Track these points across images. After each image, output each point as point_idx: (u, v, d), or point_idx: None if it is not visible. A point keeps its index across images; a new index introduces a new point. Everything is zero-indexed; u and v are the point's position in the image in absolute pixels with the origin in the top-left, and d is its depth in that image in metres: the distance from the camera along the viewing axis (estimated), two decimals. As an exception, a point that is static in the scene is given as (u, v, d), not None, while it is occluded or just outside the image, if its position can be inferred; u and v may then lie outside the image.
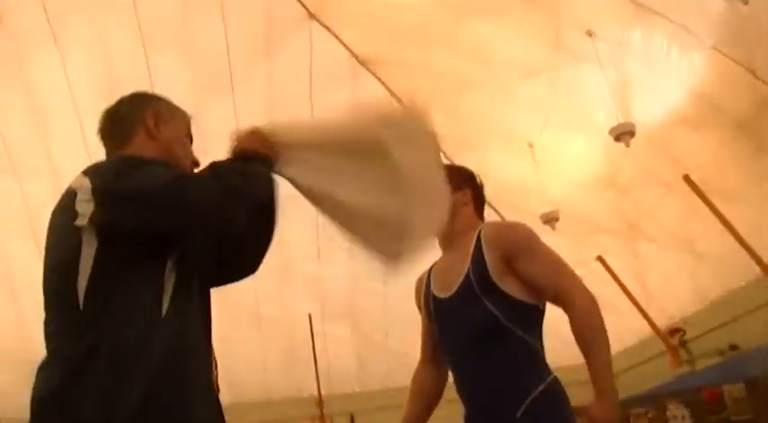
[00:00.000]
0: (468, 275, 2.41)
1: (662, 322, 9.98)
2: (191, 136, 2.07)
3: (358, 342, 11.23)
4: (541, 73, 8.64)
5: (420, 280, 2.76)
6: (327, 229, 9.85)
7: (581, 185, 9.74)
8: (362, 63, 9.50)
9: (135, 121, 1.87)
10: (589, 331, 2.30)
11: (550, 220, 9.31)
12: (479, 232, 2.53)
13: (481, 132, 9.67)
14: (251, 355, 10.81)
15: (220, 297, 8.72)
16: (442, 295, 2.50)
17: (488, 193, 10.74)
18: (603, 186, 9.55)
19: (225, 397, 8.52)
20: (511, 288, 2.38)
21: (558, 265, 2.43)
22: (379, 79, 9.64)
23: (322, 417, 11.01)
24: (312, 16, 9.03)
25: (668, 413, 9.25)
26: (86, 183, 1.56)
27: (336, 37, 9.24)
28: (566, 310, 2.38)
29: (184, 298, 1.63)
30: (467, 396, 2.42)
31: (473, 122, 9.57)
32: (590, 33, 7.77)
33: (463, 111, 9.50)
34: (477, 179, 2.85)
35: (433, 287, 2.55)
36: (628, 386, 10.89)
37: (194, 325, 1.68)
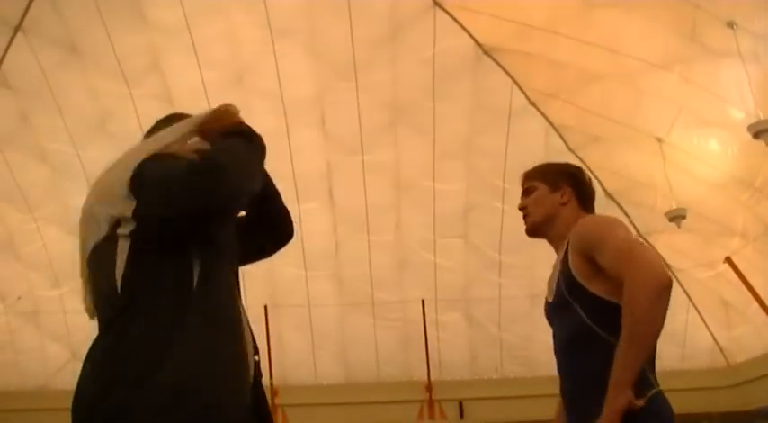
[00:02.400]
0: (558, 279, 2.34)
1: (796, 333, 9.38)
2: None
3: (470, 331, 11.22)
4: (674, 65, 8.27)
5: None
6: (445, 218, 9.88)
7: (713, 184, 9.27)
8: (487, 52, 9.42)
9: None
10: (628, 313, 2.01)
11: (676, 217, 8.94)
12: None
13: (607, 125, 9.38)
14: (365, 338, 11.03)
15: (336, 279, 8.95)
16: (548, 298, 2.45)
17: (612, 187, 10.41)
18: (738, 186, 9.05)
19: (338, 376, 8.86)
20: (599, 288, 2.20)
21: (623, 250, 2.11)
22: (503, 68, 9.53)
23: (431, 401, 11.12)
24: (437, 4, 9.03)
25: (796, 431, 8.71)
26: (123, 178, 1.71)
27: (461, 25, 9.20)
28: None
29: (212, 283, 1.73)
30: (564, 402, 2.35)
31: (599, 114, 9.30)
32: (731, 25, 7.35)
33: (589, 102, 9.24)
34: (582, 175, 2.61)
35: (547, 289, 2.50)
36: (752, 398, 10.33)
37: (227, 312, 1.76)
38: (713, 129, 8.81)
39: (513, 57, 9.34)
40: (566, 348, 2.33)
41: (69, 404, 1.61)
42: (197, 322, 1.64)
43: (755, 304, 9.55)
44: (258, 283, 9.44)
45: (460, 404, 11.03)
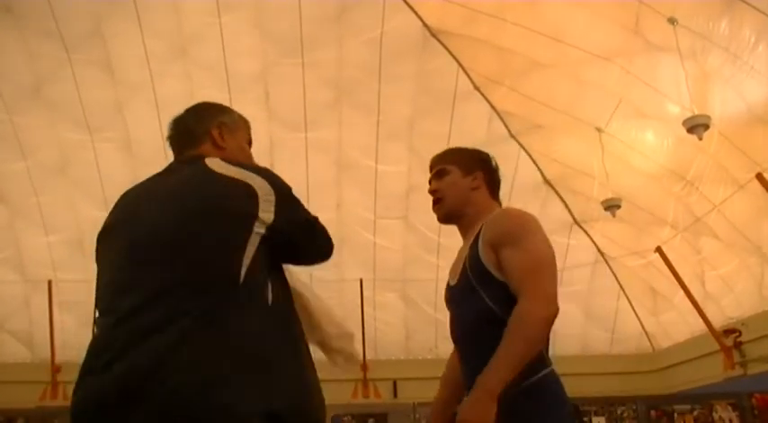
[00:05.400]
0: (464, 264, 2.36)
1: (718, 322, 9.75)
2: (251, 141, 2.19)
3: (407, 311, 11.32)
4: (617, 57, 8.43)
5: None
6: (386, 198, 9.93)
7: (647, 175, 9.53)
8: (434, 35, 9.43)
9: (202, 131, 2.03)
10: (518, 332, 2.10)
11: (611, 207, 9.18)
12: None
13: (549, 113, 9.53)
14: (301, 316, 11.02)
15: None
16: (451, 282, 2.47)
17: (551, 174, 10.61)
18: (671, 178, 9.33)
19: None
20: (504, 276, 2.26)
21: (536, 264, 2.20)
22: (449, 52, 9.56)
23: (365, 380, 11.21)
24: (387, -16, 8.99)
25: (715, 414, 9.08)
26: (265, 184, 1.81)
27: (410, 6, 9.18)
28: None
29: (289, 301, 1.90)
30: (466, 385, 2.34)
31: (541, 102, 9.44)
32: (672, 21, 7.53)
33: (532, 89, 9.36)
34: (492, 162, 2.59)
35: (449, 274, 2.53)
36: (675, 382, 10.74)
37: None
38: (650, 121, 9.04)
39: (460, 41, 9.38)
40: (469, 334, 2.36)
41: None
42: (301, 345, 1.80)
43: (681, 292, 9.90)
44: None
45: (395, 383, 11.16)
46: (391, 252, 10.88)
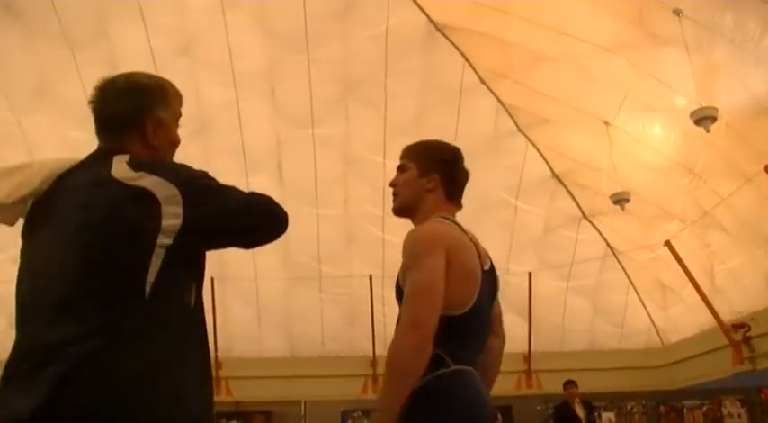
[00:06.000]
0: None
1: (727, 316, 9.72)
2: (180, 115, 1.95)
3: (414, 308, 11.33)
4: (622, 50, 8.40)
5: None
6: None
7: (655, 168, 9.50)
8: (440, 29, 9.41)
9: (134, 122, 1.83)
10: (389, 365, 2.15)
11: (620, 200, 9.15)
12: None
13: (556, 106, 9.51)
14: (311, 312, 11.04)
15: (283, 252, 8.86)
16: None
17: (560, 169, 10.52)
18: (679, 171, 9.29)
19: (283, 349, 8.82)
20: None
21: (412, 291, 2.22)
22: (455, 46, 9.55)
23: (375, 376, 11.23)
24: (392, -20, 8.97)
25: (724, 409, 9.05)
26: (168, 187, 1.66)
27: (415, 1, 9.17)
28: None
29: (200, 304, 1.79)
30: None
31: (548, 96, 9.41)
32: (677, 12, 7.49)
33: (538, 83, 9.34)
34: (457, 163, 2.54)
35: None
36: (683, 377, 10.71)
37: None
38: (657, 114, 9.00)
39: (465, 35, 9.36)
40: None
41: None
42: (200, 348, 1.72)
43: (690, 286, 9.87)
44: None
45: (403, 379, 11.17)
46: (400, 248, 10.84)
